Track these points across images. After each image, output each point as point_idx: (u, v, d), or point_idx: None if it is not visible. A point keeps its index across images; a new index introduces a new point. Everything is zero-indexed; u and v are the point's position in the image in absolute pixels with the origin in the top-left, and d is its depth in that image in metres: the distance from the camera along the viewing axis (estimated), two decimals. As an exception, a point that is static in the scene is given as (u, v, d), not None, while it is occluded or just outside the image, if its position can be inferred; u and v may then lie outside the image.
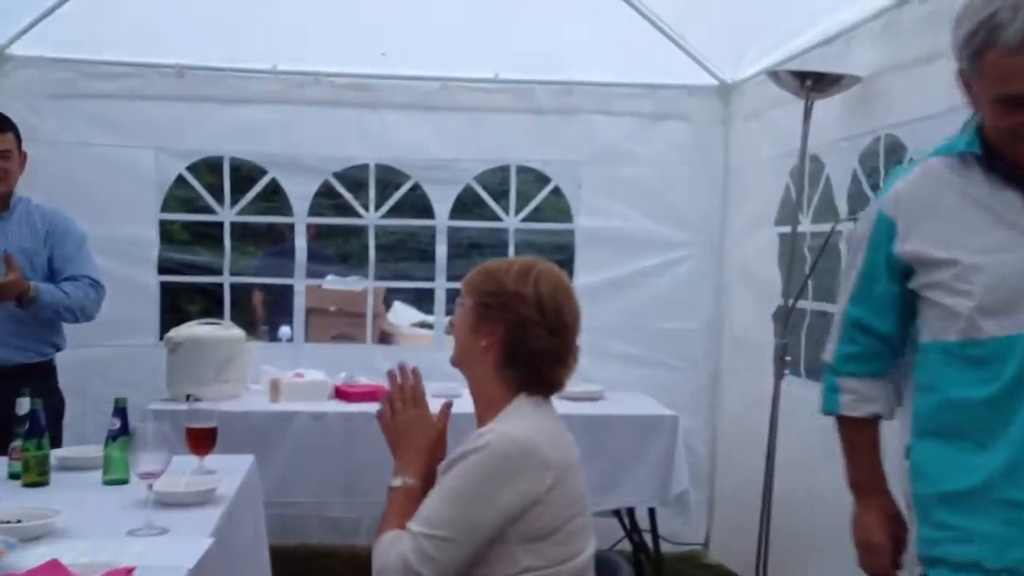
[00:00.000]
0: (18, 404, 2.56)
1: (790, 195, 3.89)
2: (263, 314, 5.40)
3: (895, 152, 3.27)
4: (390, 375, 2.04)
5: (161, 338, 4.04)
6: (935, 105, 2.95)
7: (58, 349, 3.43)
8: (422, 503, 1.84)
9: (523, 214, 4.62)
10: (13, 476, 2.54)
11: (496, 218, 4.64)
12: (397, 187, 4.62)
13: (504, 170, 4.65)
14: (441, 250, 4.58)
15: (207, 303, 5.16)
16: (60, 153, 4.12)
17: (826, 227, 3.51)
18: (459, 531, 1.78)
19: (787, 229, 3.69)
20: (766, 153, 4.20)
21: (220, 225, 4.53)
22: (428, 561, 1.76)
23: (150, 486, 2.17)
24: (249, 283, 5.06)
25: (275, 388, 3.82)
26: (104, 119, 4.29)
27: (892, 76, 3.22)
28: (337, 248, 6.21)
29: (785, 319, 3.53)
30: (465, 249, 4.98)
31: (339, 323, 4.75)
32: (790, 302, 3.52)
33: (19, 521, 2.07)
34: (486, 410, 1.94)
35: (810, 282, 3.61)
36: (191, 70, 4.36)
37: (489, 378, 1.94)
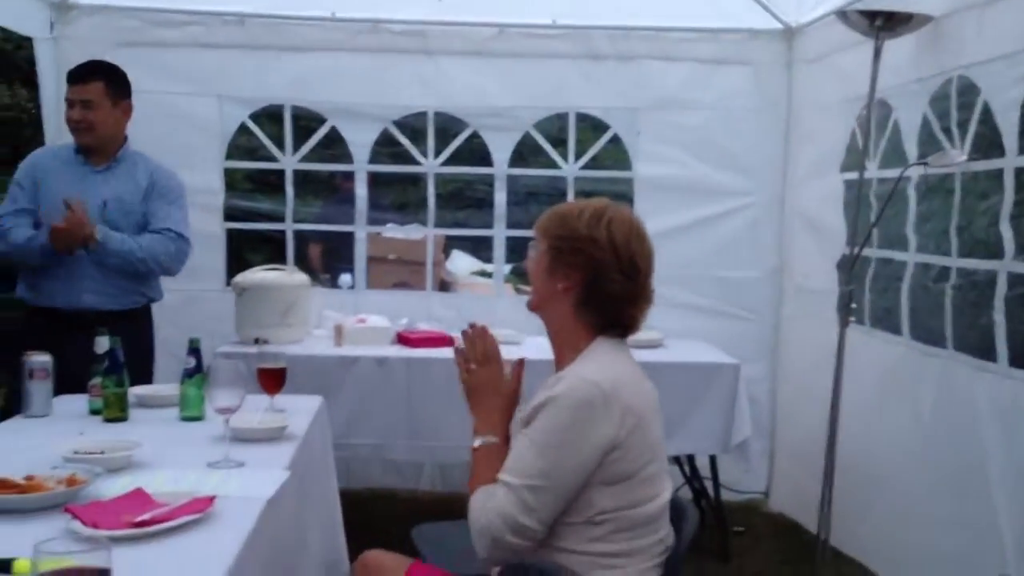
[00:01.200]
0: (97, 343, 2.64)
1: (856, 140, 3.81)
2: (321, 267, 5.47)
3: (967, 94, 3.18)
4: (464, 335, 2.05)
5: (227, 284, 4.11)
6: (1009, 44, 2.87)
7: (151, 300, 3.50)
8: (510, 455, 1.86)
9: (582, 161, 4.59)
10: (95, 412, 2.63)
11: (554, 166, 4.63)
12: (455, 135, 4.61)
13: (562, 117, 4.61)
14: (500, 198, 4.57)
15: (269, 251, 5.23)
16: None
17: (894, 173, 3.44)
18: (554, 479, 1.80)
19: (853, 175, 3.62)
20: (831, 97, 4.11)
21: (279, 174, 4.58)
22: (530, 511, 1.79)
23: (227, 421, 2.23)
24: (311, 230, 5.11)
25: (339, 333, 3.88)
26: (168, 67, 4.34)
27: (965, 15, 3.13)
28: (396, 196, 6.24)
29: (850, 267, 3.47)
30: (523, 197, 4.97)
31: (399, 271, 4.78)
32: (855, 250, 3.46)
33: (103, 452, 2.15)
34: (565, 352, 1.96)
35: (876, 230, 3.55)
36: (252, 18, 4.38)
37: (567, 321, 1.95)
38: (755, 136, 4.49)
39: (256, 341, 3.63)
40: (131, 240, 3.34)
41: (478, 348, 2.03)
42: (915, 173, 3.40)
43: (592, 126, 4.72)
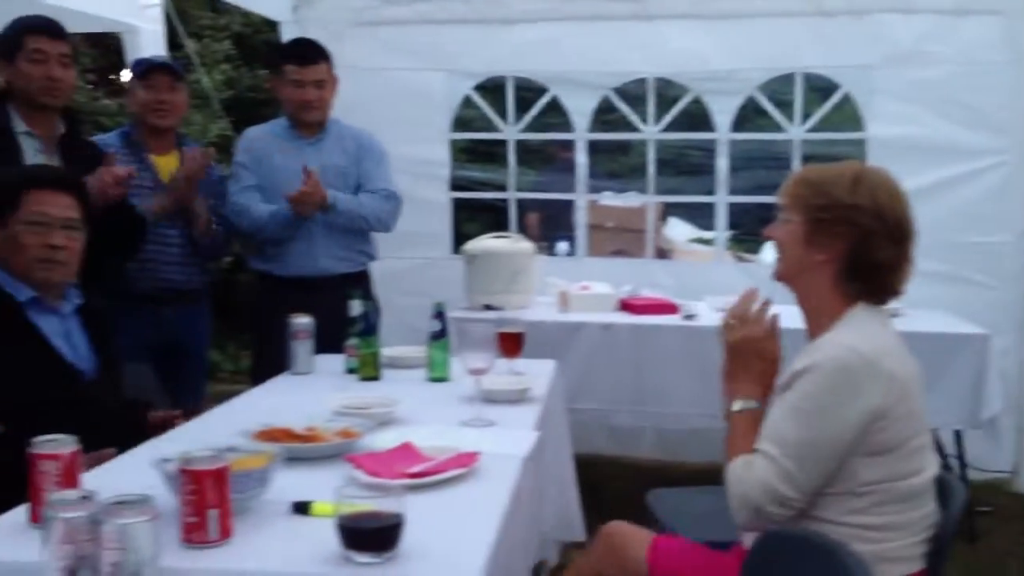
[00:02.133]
0: (351, 306, 2.80)
1: None
2: (538, 235, 5.56)
3: None
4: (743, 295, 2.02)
5: (455, 251, 4.24)
6: None
7: (371, 259, 3.70)
8: (767, 422, 1.83)
9: (809, 124, 4.41)
10: (351, 371, 2.80)
11: (778, 129, 4.47)
12: (675, 100, 4.54)
13: (787, 79, 4.44)
14: (722, 163, 4.46)
15: (486, 221, 5.35)
16: (358, 78, 4.30)
17: None
18: (815, 448, 1.76)
19: (1126, 129, 3.28)
20: (1096, 46, 3.74)
21: (496, 144, 4.68)
22: (791, 482, 1.76)
23: (478, 382, 2.32)
24: (533, 198, 5.19)
25: (564, 299, 3.93)
26: (398, 44, 4.52)
27: None
28: (610, 164, 6.22)
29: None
30: (742, 162, 4.83)
31: (618, 239, 4.78)
32: None
33: (367, 408, 2.28)
34: (820, 320, 1.90)
35: None
36: (476, -8, 4.48)
37: (825, 291, 1.89)
38: (1005, 91, 4.14)
39: (486, 307, 3.73)
40: (354, 200, 3.53)
41: (741, 307, 1.98)
42: None
43: (813, 87, 4.52)
